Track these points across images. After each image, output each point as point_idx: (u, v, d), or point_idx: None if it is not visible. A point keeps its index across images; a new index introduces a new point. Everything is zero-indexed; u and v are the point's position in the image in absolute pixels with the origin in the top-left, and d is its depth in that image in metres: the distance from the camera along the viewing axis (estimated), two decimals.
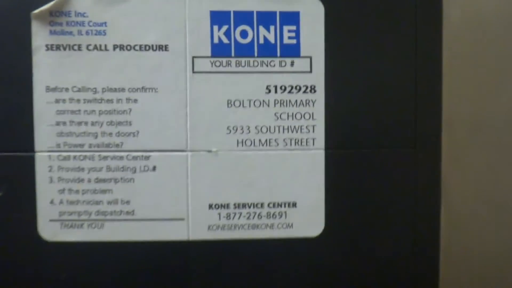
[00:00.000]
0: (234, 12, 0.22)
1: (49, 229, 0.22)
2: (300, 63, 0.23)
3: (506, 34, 0.24)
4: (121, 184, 0.22)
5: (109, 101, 0.22)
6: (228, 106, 0.22)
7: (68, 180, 0.22)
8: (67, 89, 0.22)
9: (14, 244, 0.22)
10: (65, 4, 0.22)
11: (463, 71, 0.23)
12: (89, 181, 0.22)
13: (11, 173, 0.22)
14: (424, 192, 0.23)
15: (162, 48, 0.22)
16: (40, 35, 0.22)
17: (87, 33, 0.22)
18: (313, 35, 0.23)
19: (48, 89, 0.22)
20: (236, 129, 0.22)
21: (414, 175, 0.23)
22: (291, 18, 0.23)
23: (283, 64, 0.23)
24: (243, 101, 0.22)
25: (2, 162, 0.22)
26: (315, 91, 0.23)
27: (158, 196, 0.22)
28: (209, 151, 0.22)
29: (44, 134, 0.22)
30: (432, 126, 0.23)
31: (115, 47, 0.22)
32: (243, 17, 0.22)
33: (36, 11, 0.22)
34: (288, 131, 0.23)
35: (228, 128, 0.22)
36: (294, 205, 0.23)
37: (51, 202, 0.22)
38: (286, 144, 0.23)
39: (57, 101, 0.22)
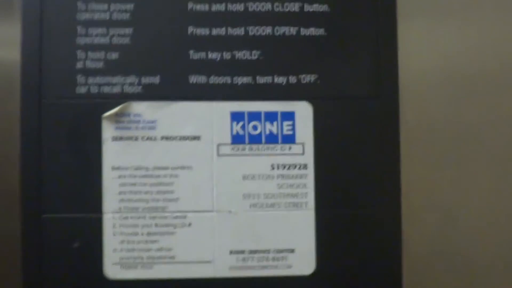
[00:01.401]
0: (248, 112, 0.31)
1: (112, 270, 0.30)
2: (296, 148, 0.31)
3: (453, 137, 0.32)
4: (165, 236, 0.31)
5: (157, 176, 0.31)
6: (243, 179, 0.31)
7: (127, 234, 0.31)
8: (127, 168, 0.31)
9: (85, 282, 0.30)
10: (126, 109, 0.31)
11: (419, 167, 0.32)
12: (142, 234, 0.31)
13: (85, 229, 0.30)
14: None
15: (196, 138, 0.31)
16: (108, 130, 0.31)
17: (142, 128, 0.31)
18: (304, 128, 0.31)
19: (113, 168, 0.31)
20: (250, 196, 0.31)
21: None
22: (289, 116, 0.31)
23: (283, 149, 0.31)
24: (254, 175, 0.31)
25: (78, 221, 0.30)
26: (306, 168, 0.31)
27: (192, 245, 0.31)
28: (230, 212, 0.31)
29: (110, 200, 0.31)
30: None
31: (162, 138, 0.31)
32: (254, 115, 0.31)
33: (106, 114, 0.31)
34: (287, 197, 0.31)
35: (243, 195, 0.31)
36: (293, 251, 0.31)
37: (114, 250, 0.31)
38: (286, 207, 0.31)
39: (119, 176, 0.31)
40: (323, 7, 0.32)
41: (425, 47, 0.33)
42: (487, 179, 0.33)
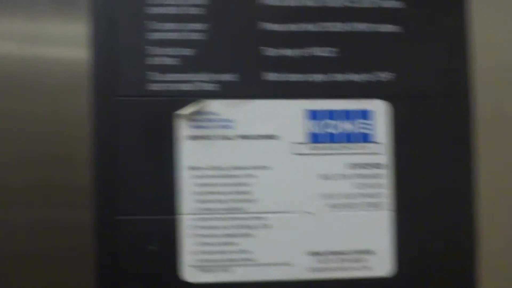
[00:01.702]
0: (325, 110, 0.31)
1: (190, 273, 0.30)
2: (373, 147, 0.31)
3: None
4: (244, 238, 0.30)
5: (235, 176, 0.30)
6: (321, 179, 0.31)
7: (205, 236, 0.30)
8: (203, 168, 0.30)
9: (162, 285, 0.30)
10: (202, 107, 0.30)
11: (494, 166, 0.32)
12: (220, 236, 0.30)
13: (161, 231, 0.30)
14: None
15: (273, 137, 0.30)
16: (184, 129, 0.30)
17: (218, 127, 0.30)
18: (381, 126, 0.31)
19: (190, 168, 0.30)
20: (328, 196, 0.31)
21: None
22: (366, 114, 0.31)
23: (360, 148, 0.31)
24: (332, 175, 0.31)
25: (154, 223, 0.30)
26: (383, 168, 0.31)
27: (272, 246, 0.30)
28: (309, 213, 0.30)
29: (187, 201, 0.30)
30: None
31: (239, 136, 0.30)
32: (331, 114, 0.31)
33: (182, 112, 0.30)
34: (365, 197, 0.31)
35: (321, 195, 0.30)
36: (371, 252, 0.31)
37: (191, 252, 0.30)
38: (364, 207, 0.31)
39: (196, 177, 0.30)
40: (399, 3, 0.31)
41: (500, 44, 0.32)
42: None
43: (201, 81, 0.30)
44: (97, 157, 0.29)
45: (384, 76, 0.31)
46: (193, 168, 0.30)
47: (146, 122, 0.30)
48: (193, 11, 0.30)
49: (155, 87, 0.30)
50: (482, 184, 0.31)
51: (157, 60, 0.30)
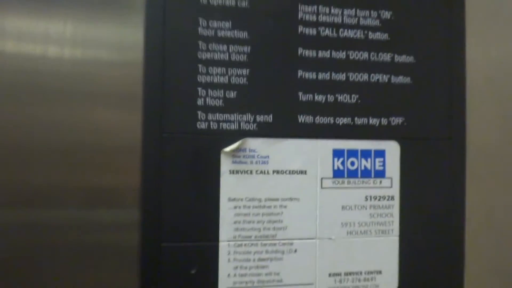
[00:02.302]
0: (347, 149, 0.35)
1: None
2: (385, 182, 0.36)
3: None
4: (274, 262, 0.34)
5: (269, 207, 0.34)
6: (342, 209, 0.35)
7: (240, 260, 0.33)
8: (241, 199, 0.33)
9: None
10: (243, 144, 0.33)
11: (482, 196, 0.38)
12: (254, 260, 0.34)
13: (201, 256, 0.33)
14: None
15: (303, 172, 0.34)
16: (226, 164, 0.33)
17: (256, 162, 0.34)
18: (393, 164, 0.36)
19: (229, 199, 0.33)
20: (347, 224, 0.35)
21: None
22: (380, 153, 0.36)
23: (375, 182, 0.36)
24: (351, 206, 0.35)
25: (196, 249, 0.33)
26: (393, 199, 0.36)
27: (297, 269, 0.34)
28: (330, 239, 0.35)
29: (226, 229, 0.33)
30: None
31: (273, 171, 0.34)
32: (352, 153, 0.35)
33: (226, 149, 0.33)
34: (377, 225, 0.36)
35: (342, 223, 0.35)
36: (380, 272, 0.36)
37: (228, 275, 0.33)
38: (376, 233, 0.36)
39: (235, 207, 0.33)
40: (410, 58, 0.36)
41: (490, 101, 0.39)
42: None
43: (243, 121, 0.33)
44: (144, 188, 0.32)
45: (396, 120, 0.36)
46: (233, 199, 0.33)
47: (192, 157, 0.33)
48: (239, 57, 0.33)
49: (202, 125, 0.33)
50: (470, 211, 0.38)
51: (205, 101, 0.33)
